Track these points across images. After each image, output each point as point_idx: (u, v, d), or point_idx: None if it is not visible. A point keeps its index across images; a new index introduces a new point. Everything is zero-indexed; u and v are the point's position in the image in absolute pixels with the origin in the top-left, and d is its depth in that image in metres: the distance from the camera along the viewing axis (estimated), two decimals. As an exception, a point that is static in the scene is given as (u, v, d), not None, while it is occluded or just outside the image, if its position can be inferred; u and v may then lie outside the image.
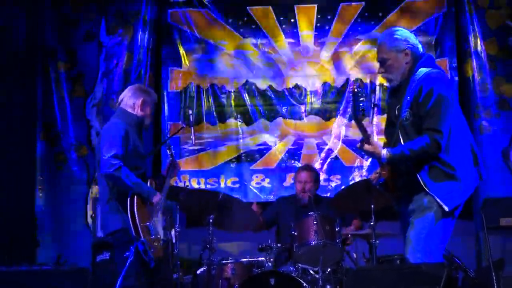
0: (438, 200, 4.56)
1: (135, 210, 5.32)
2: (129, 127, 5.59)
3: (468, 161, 4.69)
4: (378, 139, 4.83)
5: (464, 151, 4.68)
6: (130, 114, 5.69)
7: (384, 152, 4.62)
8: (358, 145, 4.75)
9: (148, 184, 5.59)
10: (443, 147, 4.57)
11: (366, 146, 4.65)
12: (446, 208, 4.56)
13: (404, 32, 4.91)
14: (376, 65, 4.99)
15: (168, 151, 6.11)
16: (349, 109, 8.85)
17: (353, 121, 8.75)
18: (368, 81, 8.87)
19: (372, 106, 5.01)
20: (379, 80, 8.66)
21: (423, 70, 4.72)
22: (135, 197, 5.38)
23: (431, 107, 4.60)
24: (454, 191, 4.60)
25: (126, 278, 5.31)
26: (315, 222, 6.51)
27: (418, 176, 4.60)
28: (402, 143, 4.67)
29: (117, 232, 5.41)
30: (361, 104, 4.60)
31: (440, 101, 4.61)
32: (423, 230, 4.57)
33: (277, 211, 7.56)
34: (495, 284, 6.33)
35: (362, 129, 4.63)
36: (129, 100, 5.73)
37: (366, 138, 4.64)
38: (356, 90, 4.61)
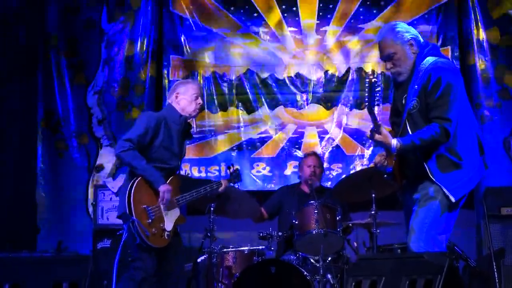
0: (445, 190, 4.56)
1: (133, 188, 5.36)
2: (169, 122, 5.65)
3: (475, 150, 4.69)
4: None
5: (471, 140, 4.68)
6: (175, 110, 5.76)
7: (394, 142, 4.60)
8: (369, 134, 4.74)
9: (169, 181, 5.58)
10: (451, 135, 4.57)
11: (377, 136, 4.63)
12: (453, 199, 4.56)
13: (403, 25, 4.91)
14: (377, 53, 4.98)
15: (233, 173, 6.35)
16: (351, 98, 8.87)
17: (354, 110, 8.83)
18: (369, 70, 8.85)
19: (374, 95, 4.97)
20: (381, 69, 8.64)
21: (430, 59, 4.71)
22: (140, 177, 5.43)
23: (440, 96, 4.60)
24: (461, 181, 4.60)
25: (132, 260, 5.37)
26: (316, 211, 6.51)
27: (425, 165, 4.59)
28: (410, 132, 4.66)
29: (123, 215, 5.43)
30: (377, 94, 4.59)
31: (448, 90, 4.60)
32: (427, 219, 4.57)
33: (280, 200, 7.56)
34: (495, 273, 6.34)
35: (374, 118, 4.61)
36: (170, 97, 5.86)
37: (377, 128, 4.63)
38: (373, 80, 4.60)
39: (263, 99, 9.04)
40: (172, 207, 5.59)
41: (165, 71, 9.08)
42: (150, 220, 5.38)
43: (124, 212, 5.37)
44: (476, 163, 4.69)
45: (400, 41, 4.78)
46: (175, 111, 5.75)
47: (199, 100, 5.83)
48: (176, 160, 5.75)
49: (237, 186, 6.54)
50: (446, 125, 4.56)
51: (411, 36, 4.81)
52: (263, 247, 6.66)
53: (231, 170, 6.42)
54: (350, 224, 6.98)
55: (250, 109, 9.06)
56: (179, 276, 5.82)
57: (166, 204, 5.50)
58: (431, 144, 4.59)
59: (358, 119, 8.85)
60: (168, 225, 5.52)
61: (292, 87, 9.03)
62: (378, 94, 4.60)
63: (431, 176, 4.58)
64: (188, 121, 5.87)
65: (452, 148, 4.61)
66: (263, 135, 9.02)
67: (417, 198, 4.67)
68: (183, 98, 5.77)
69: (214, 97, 9.06)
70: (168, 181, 5.58)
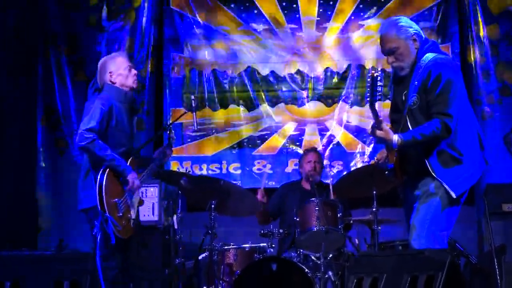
0: (446, 186, 4.56)
1: (103, 183, 5.24)
2: (116, 103, 5.51)
3: (475, 145, 4.70)
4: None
5: (471, 135, 4.69)
6: (116, 89, 5.60)
7: (395, 138, 4.60)
8: (370, 130, 4.73)
9: (129, 163, 5.51)
10: (452, 131, 4.57)
11: (378, 132, 4.63)
12: (453, 195, 4.57)
13: (406, 20, 4.92)
14: (378, 49, 4.99)
15: (169, 133, 6.04)
16: (352, 95, 8.86)
17: (355, 107, 8.81)
18: (370, 66, 8.84)
19: (375, 91, 4.97)
20: (382, 65, 8.62)
21: (429, 56, 4.72)
22: (107, 170, 5.31)
23: (440, 92, 4.60)
24: (462, 176, 4.61)
25: (105, 258, 5.30)
26: (317, 208, 6.50)
27: (426, 161, 4.59)
28: (410, 128, 4.66)
29: (90, 209, 5.36)
30: (379, 90, 4.57)
31: (449, 86, 4.61)
32: (428, 216, 4.57)
33: (281, 198, 7.54)
34: (497, 270, 6.33)
35: (375, 114, 4.61)
36: (103, 77, 5.66)
37: (378, 124, 4.62)
38: (375, 75, 4.59)
39: (263, 96, 9.03)
40: (134, 193, 5.53)
41: (166, 69, 9.08)
42: (121, 214, 5.31)
43: (94, 206, 5.27)
44: (476, 158, 4.70)
45: (403, 36, 4.78)
46: (117, 90, 5.59)
47: (134, 71, 5.69)
48: (131, 140, 5.67)
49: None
50: (447, 120, 4.57)
51: (414, 31, 4.81)
52: (264, 244, 6.65)
53: (167, 130, 6.16)
54: (351, 221, 6.99)
55: (250, 107, 9.05)
56: (161, 270, 5.79)
57: (136, 191, 5.45)
58: (432, 140, 4.59)
59: (359, 116, 8.85)
60: (133, 213, 5.48)
61: (292, 84, 9.03)
62: (379, 90, 4.59)
63: (432, 172, 4.58)
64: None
65: (453, 143, 4.62)
66: (264, 133, 9.02)
67: (418, 195, 4.67)
68: (118, 75, 5.60)
69: (215, 94, 9.05)
70: (128, 163, 5.48)
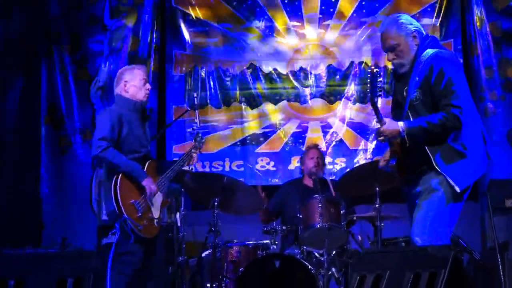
0: (450, 180, 4.55)
1: (118, 186, 5.38)
2: (125, 112, 5.63)
3: (479, 140, 4.69)
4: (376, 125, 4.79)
5: (474, 130, 4.68)
6: (126, 99, 5.72)
7: (400, 124, 4.60)
8: (375, 133, 4.73)
9: (146, 167, 5.60)
10: (462, 122, 4.56)
11: (382, 128, 4.62)
12: (458, 189, 4.55)
13: (407, 17, 4.93)
14: (378, 46, 4.99)
15: (196, 137, 6.11)
16: (354, 92, 8.85)
17: (358, 104, 8.81)
18: (372, 63, 8.82)
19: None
20: (384, 62, 8.62)
21: (430, 51, 4.72)
22: (121, 174, 5.43)
23: (445, 86, 4.60)
24: (466, 171, 4.59)
25: (120, 254, 5.41)
26: (320, 205, 6.51)
27: (430, 156, 4.58)
28: None
29: (110, 213, 5.44)
30: (379, 85, 4.58)
31: (452, 79, 4.61)
32: (430, 212, 4.56)
33: (284, 196, 7.54)
34: (500, 266, 6.33)
35: (376, 110, 4.61)
36: (117, 87, 5.79)
37: (379, 120, 4.63)
38: (375, 71, 4.59)
39: (266, 94, 9.03)
40: (155, 194, 5.61)
41: (168, 66, 9.08)
42: (140, 214, 5.41)
43: (113, 210, 5.37)
44: (480, 152, 4.68)
45: (404, 32, 4.79)
46: (127, 101, 5.70)
47: (148, 86, 5.80)
48: (146, 146, 5.76)
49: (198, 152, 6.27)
50: (456, 111, 4.55)
51: (414, 28, 4.82)
52: (267, 241, 6.66)
53: (193, 135, 6.23)
54: (354, 218, 6.99)
55: (253, 104, 9.05)
56: (164, 268, 5.83)
57: (153, 195, 5.52)
58: (440, 129, 4.56)
59: (362, 113, 8.84)
60: (156, 212, 5.57)
61: (295, 82, 9.03)
62: (380, 85, 4.60)
63: (436, 167, 4.56)
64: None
65: (457, 137, 4.61)
66: (267, 130, 9.02)
67: (420, 190, 4.66)
68: (132, 85, 5.72)
69: (217, 92, 9.05)
70: (146, 167, 5.60)
